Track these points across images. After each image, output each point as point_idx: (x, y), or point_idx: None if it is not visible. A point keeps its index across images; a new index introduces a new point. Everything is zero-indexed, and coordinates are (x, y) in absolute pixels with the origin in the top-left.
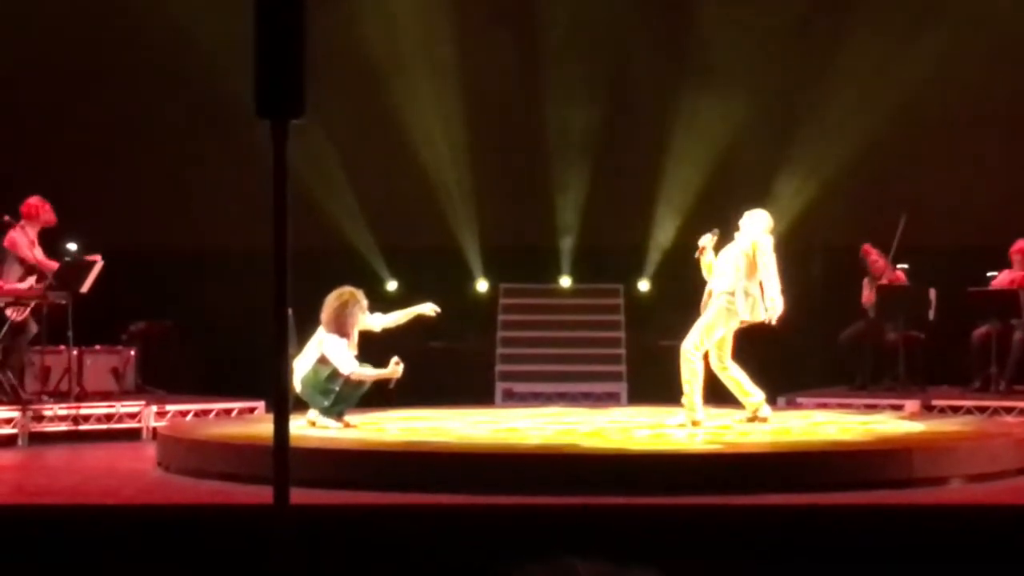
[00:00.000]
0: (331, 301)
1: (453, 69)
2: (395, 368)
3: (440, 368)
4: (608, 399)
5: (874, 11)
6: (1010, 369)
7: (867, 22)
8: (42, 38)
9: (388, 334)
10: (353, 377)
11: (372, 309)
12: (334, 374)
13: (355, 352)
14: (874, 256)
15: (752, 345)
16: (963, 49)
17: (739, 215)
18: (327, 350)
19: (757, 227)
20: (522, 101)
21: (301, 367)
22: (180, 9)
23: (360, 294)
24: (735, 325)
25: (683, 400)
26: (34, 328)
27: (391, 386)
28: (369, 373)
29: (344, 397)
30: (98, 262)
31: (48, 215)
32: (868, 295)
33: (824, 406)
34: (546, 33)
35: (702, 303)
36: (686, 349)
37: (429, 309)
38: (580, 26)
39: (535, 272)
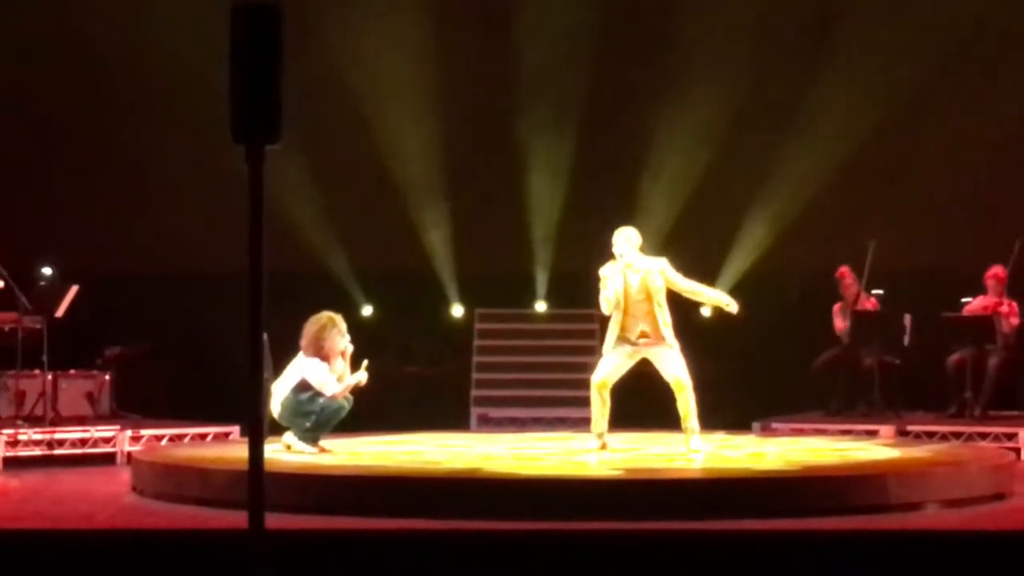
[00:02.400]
0: (310, 327)
1: (429, 94)
2: (361, 376)
3: (415, 393)
4: (583, 424)
5: (852, 37)
6: (985, 394)
7: (845, 48)
8: (13, 64)
9: (363, 356)
10: (336, 397)
11: (348, 335)
12: (313, 397)
13: (336, 375)
14: (848, 280)
15: (727, 370)
16: (939, 76)
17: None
18: (308, 374)
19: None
20: (498, 126)
21: (280, 391)
22: (157, 34)
23: (339, 318)
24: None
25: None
26: None
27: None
28: (346, 386)
29: (324, 421)
30: (73, 288)
31: None
32: (840, 323)
33: (799, 432)
34: (524, 59)
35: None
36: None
37: (360, 377)
38: (558, 54)
39: (510, 297)
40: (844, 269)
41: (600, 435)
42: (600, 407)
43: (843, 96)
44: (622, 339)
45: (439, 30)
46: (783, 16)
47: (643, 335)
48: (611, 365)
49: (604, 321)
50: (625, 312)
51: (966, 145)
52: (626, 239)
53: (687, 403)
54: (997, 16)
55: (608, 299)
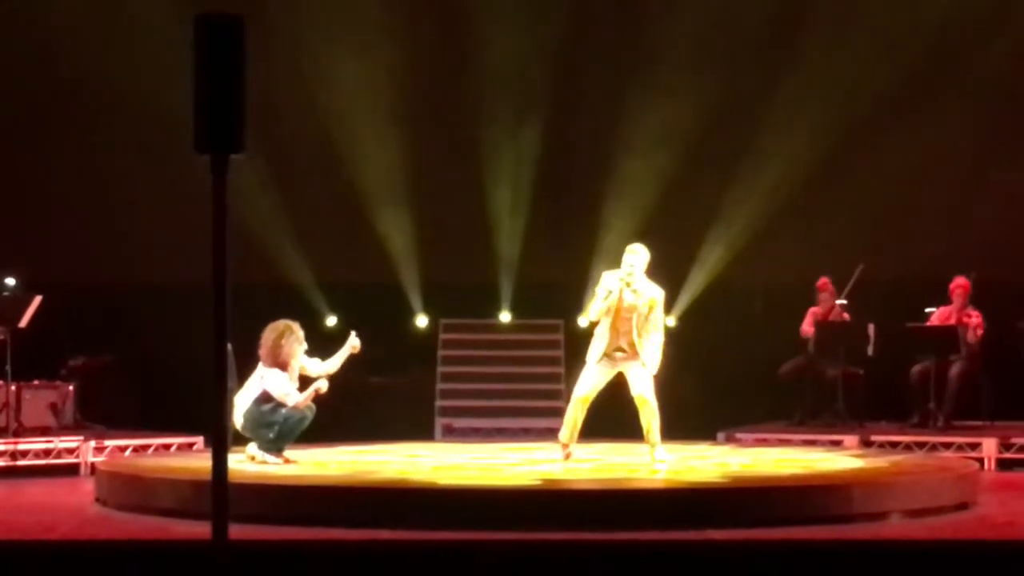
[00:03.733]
0: (267, 335)
1: (394, 107)
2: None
3: (380, 403)
4: (548, 434)
5: (818, 46)
6: (948, 404)
7: (811, 57)
8: None
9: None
10: (299, 406)
11: (312, 345)
12: (276, 408)
13: (296, 384)
14: (826, 294)
15: (692, 381)
16: (905, 86)
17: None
18: (268, 385)
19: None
20: (462, 136)
21: (242, 402)
22: (121, 45)
23: (296, 326)
24: None
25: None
26: None
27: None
28: (309, 391)
29: (287, 431)
30: (36, 299)
31: None
32: (808, 327)
33: (764, 442)
34: (486, 67)
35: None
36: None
37: (352, 344)
38: (521, 66)
39: (475, 307)
40: (825, 280)
41: (566, 445)
42: (575, 419)
43: (810, 104)
44: (605, 352)
45: (401, 39)
46: (750, 22)
47: (620, 349)
48: (593, 380)
49: (570, 332)
50: (612, 324)
51: (933, 156)
52: (640, 258)
53: (649, 419)
54: (964, 25)
55: (600, 309)
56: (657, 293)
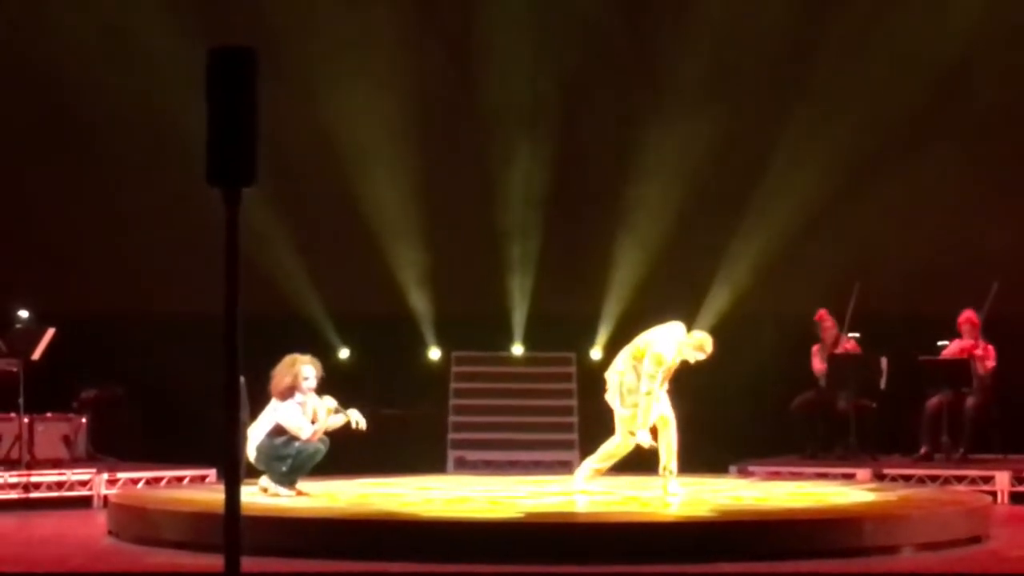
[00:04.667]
0: (280, 368)
1: (406, 139)
2: (352, 413)
3: (392, 436)
4: (560, 467)
5: (831, 78)
6: (967, 438)
7: (824, 88)
8: None
9: (340, 399)
10: (314, 437)
11: (324, 379)
12: (289, 441)
13: (311, 417)
14: (828, 323)
15: (704, 413)
16: (919, 117)
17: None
18: (281, 418)
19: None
20: (474, 168)
21: (255, 435)
22: (135, 76)
23: (299, 357)
24: None
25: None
26: None
27: (357, 426)
28: (323, 425)
29: (300, 464)
30: (49, 331)
31: None
32: (819, 365)
33: (776, 475)
34: (498, 101)
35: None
36: None
37: (354, 418)
38: (532, 97)
39: (487, 340)
40: (823, 312)
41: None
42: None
43: (822, 137)
44: None
45: (413, 71)
46: (761, 55)
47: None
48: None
49: (582, 365)
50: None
51: (945, 189)
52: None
53: (670, 441)
54: (981, 57)
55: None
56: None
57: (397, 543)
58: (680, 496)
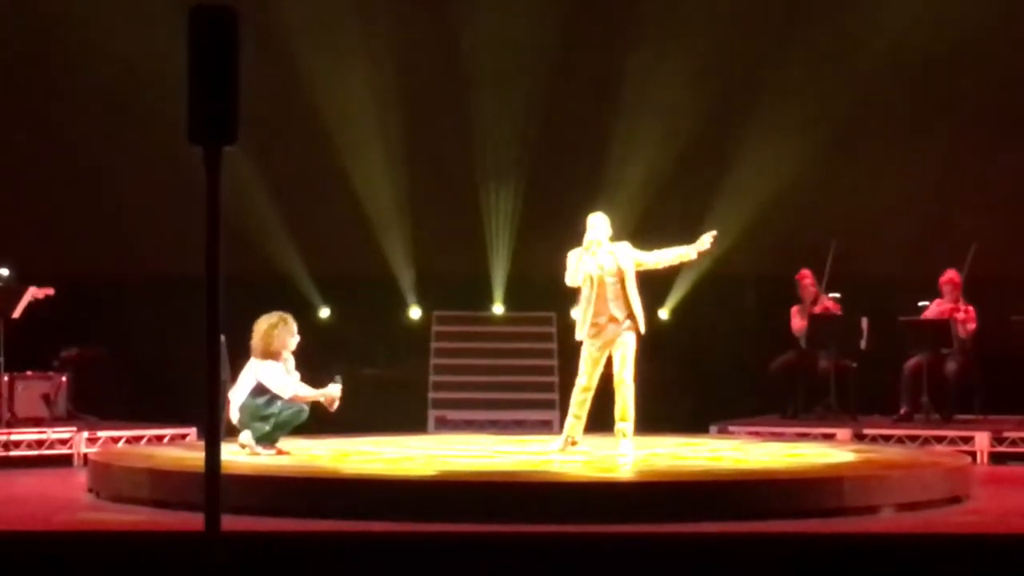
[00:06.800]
0: (259, 327)
1: (387, 97)
2: (333, 390)
3: (372, 395)
4: (541, 427)
5: (804, 39)
6: (949, 404)
7: (797, 50)
8: None
9: (320, 359)
10: (296, 399)
11: (304, 338)
12: (271, 400)
13: (298, 376)
14: (808, 281)
15: (684, 373)
16: (891, 78)
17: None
18: (263, 377)
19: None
20: (455, 128)
21: (237, 396)
22: (112, 34)
23: (289, 317)
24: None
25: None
26: None
27: (333, 408)
28: (309, 393)
29: (282, 424)
30: (29, 289)
31: None
32: (798, 323)
33: (756, 435)
34: (478, 59)
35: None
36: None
37: (331, 392)
38: (512, 55)
39: (468, 300)
40: (805, 271)
41: (575, 442)
42: (583, 412)
43: (805, 93)
44: (594, 324)
45: (393, 30)
46: (742, 16)
47: (612, 319)
48: (590, 366)
49: (563, 324)
50: (598, 294)
51: (924, 150)
52: (602, 221)
53: (626, 399)
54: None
55: (573, 275)
56: (624, 245)
57: (377, 502)
58: (630, 457)
